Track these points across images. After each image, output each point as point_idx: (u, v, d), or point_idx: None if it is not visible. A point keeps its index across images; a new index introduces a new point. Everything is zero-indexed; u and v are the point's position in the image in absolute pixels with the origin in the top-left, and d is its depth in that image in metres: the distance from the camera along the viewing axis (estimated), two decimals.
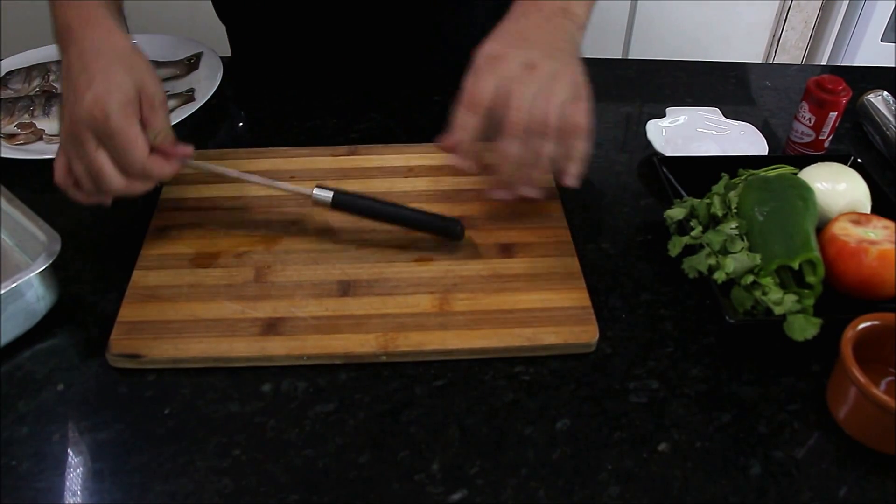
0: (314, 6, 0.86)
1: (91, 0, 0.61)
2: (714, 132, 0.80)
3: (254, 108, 0.86)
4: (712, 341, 0.60)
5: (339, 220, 0.67)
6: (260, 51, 0.93)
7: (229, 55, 0.96)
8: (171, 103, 0.83)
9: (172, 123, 0.79)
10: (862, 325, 0.53)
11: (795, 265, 0.57)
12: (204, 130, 0.82)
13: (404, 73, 0.91)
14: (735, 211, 0.64)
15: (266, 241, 0.66)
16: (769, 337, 0.58)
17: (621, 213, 0.72)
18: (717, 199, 0.65)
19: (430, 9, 0.90)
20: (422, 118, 0.79)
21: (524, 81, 0.55)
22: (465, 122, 0.57)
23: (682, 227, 0.65)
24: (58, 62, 0.85)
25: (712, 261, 0.60)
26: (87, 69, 0.57)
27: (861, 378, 0.49)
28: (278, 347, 0.56)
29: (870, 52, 1.85)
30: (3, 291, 0.54)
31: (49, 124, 0.78)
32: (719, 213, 0.64)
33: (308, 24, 0.88)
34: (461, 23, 0.84)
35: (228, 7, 0.91)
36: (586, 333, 0.58)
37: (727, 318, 0.57)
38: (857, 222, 0.61)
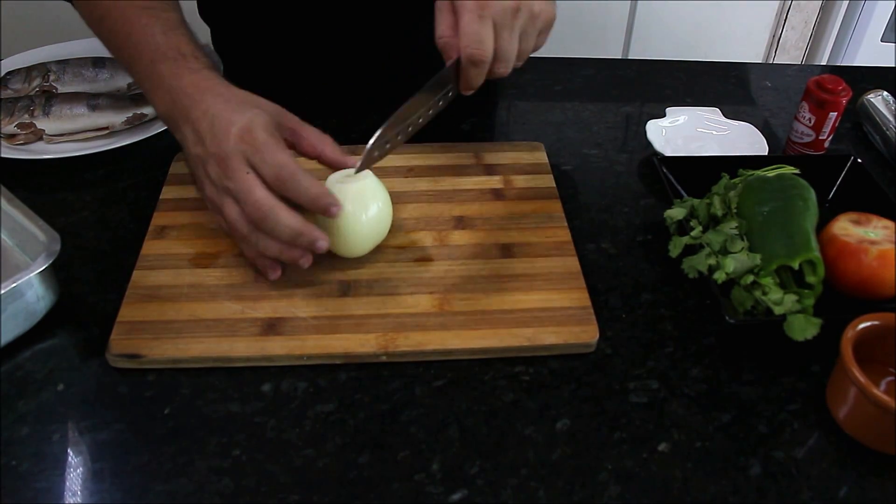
0: (313, 8, 0.86)
1: (203, 68, 0.62)
2: (714, 132, 0.80)
3: None
4: (712, 341, 0.60)
5: None
6: (251, 53, 0.93)
7: None
8: None
9: None
10: (862, 325, 0.53)
11: (795, 265, 0.57)
12: None
13: (404, 74, 0.91)
14: (735, 211, 0.64)
15: None
16: (769, 337, 0.58)
17: (621, 213, 0.72)
18: (717, 199, 0.65)
19: (431, 10, 0.90)
20: None
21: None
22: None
23: (682, 227, 0.65)
24: (58, 62, 0.85)
25: (712, 261, 0.60)
26: (220, 115, 0.58)
27: (861, 378, 0.49)
28: (278, 347, 0.56)
29: (870, 52, 1.85)
30: (3, 291, 0.53)
31: (49, 124, 0.78)
32: (719, 213, 0.64)
33: (307, 25, 0.88)
34: None
35: (215, 7, 0.91)
36: (586, 333, 0.58)
37: (727, 318, 0.57)
38: (857, 222, 0.61)
